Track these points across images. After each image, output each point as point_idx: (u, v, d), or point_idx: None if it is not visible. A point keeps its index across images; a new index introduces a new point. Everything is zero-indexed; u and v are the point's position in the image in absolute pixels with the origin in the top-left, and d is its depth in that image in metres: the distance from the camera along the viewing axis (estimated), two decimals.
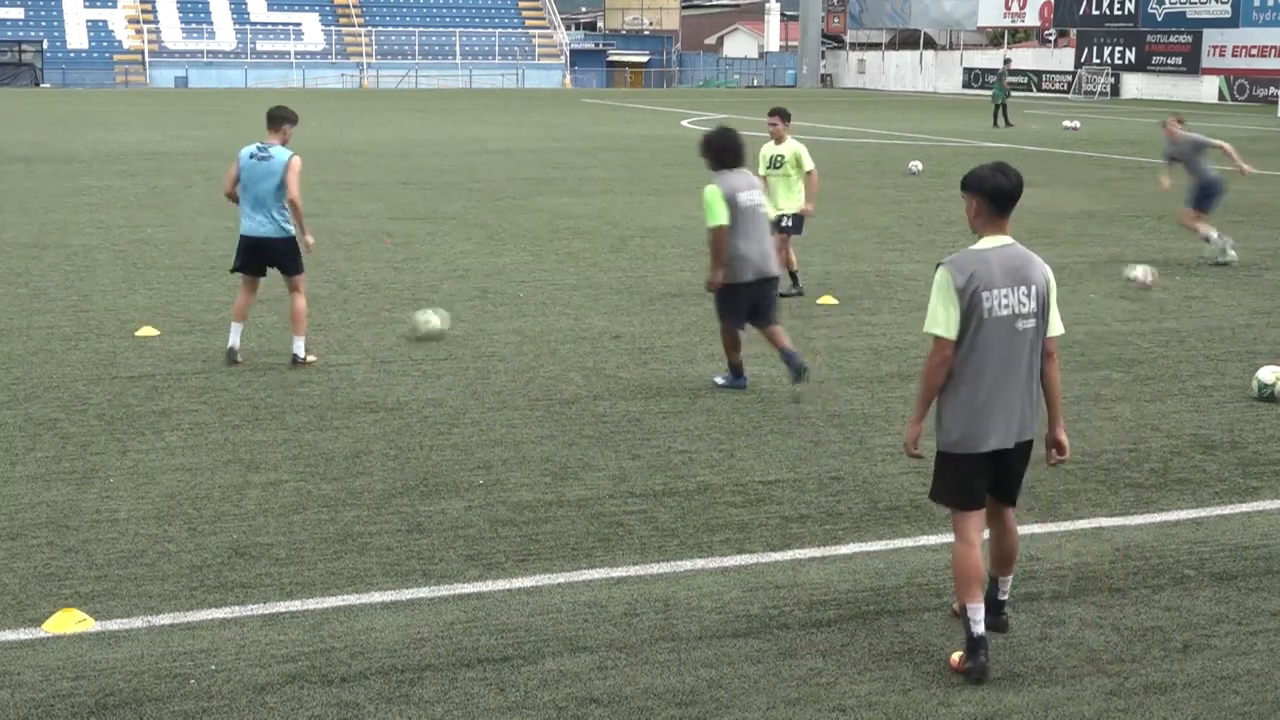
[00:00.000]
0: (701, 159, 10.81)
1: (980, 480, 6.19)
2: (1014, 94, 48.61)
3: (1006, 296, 6.04)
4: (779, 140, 14.72)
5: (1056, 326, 6.25)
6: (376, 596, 6.89)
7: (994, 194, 6.12)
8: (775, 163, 14.72)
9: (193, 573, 7.17)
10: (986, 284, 6.03)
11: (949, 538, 7.55)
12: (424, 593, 6.94)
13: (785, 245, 14.82)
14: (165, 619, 6.59)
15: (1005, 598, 6.53)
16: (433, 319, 12.25)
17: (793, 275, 14.97)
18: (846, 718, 5.70)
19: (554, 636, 6.43)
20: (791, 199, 14.74)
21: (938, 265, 6.16)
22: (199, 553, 7.44)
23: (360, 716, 5.69)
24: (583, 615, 6.68)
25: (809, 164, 14.74)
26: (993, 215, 6.16)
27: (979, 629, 6.08)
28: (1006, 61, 54.59)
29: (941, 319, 6.04)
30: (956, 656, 6.17)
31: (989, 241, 6.15)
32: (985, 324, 6.03)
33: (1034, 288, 6.11)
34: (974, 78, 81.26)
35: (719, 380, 11.09)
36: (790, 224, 14.78)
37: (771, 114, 14.81)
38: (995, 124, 45.66)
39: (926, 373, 6.14)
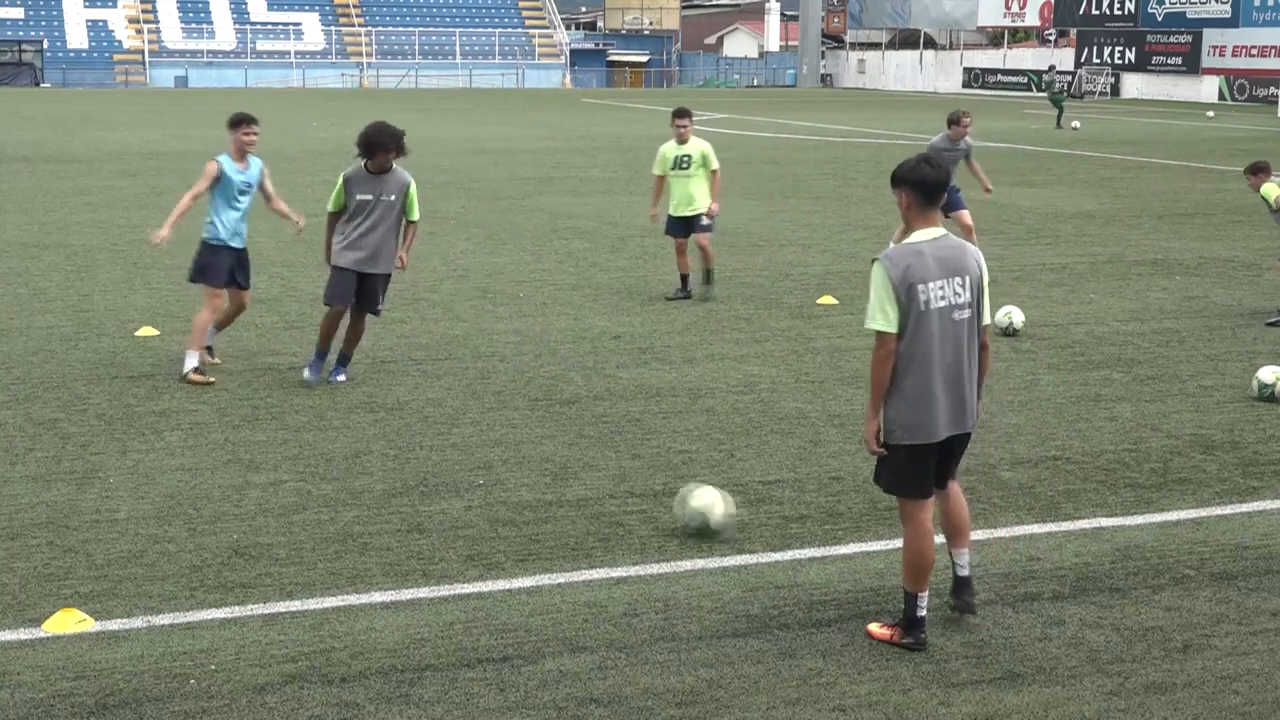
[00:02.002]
0: (369, 153, 10.89)
1: (929, 469, 6.30)
2: (1020, 94, 48.45)
3: (942, 288, 6.12)
4: (684, 141, 14.61)
5: (987, 316, 6.33)
6: (376, 596, 6.89)
7: (919, 184, 6.19)
8: (681, 163, 14.62)
9: (193, 573, 7.17)
10: (922, 277, 6.09)
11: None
12: (424, 593, 6.95)
13: (708, 242, 14.77)
14: (165, 619, 6.60)
15: (966, 573, 6.49)
16: (708, 510, 7.74)
17: (708, 272, 14.95)
18: (846, 718, 5.70)
19: (554, 636, 6.43)
20: (701, 198, 14.67)
21: (873, 261, 6.23)
22: (199, 553, 7.45)
23: (360, 716, 5.69)
24: (583, 615, 6.68)
25: (715, 163, 14.69)
26: (923, 207, 6.23)
27: (923, 612, 6.35)
28: (1051, 68, 54.44)
29: (880, 315, 6.12)
30: (888, 630, 6.38)
31: (922, 234, 6.22)
32: (923, 316, 6.10)
33: (968, 278, 6.20)
34: (974, 78, 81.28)
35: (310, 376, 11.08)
36: (708, 223, 14.76)
37: (681, 116, 14.63)
38: (1059, 125, 45.52)
39: (873, 369, 6.21)
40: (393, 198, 10.96)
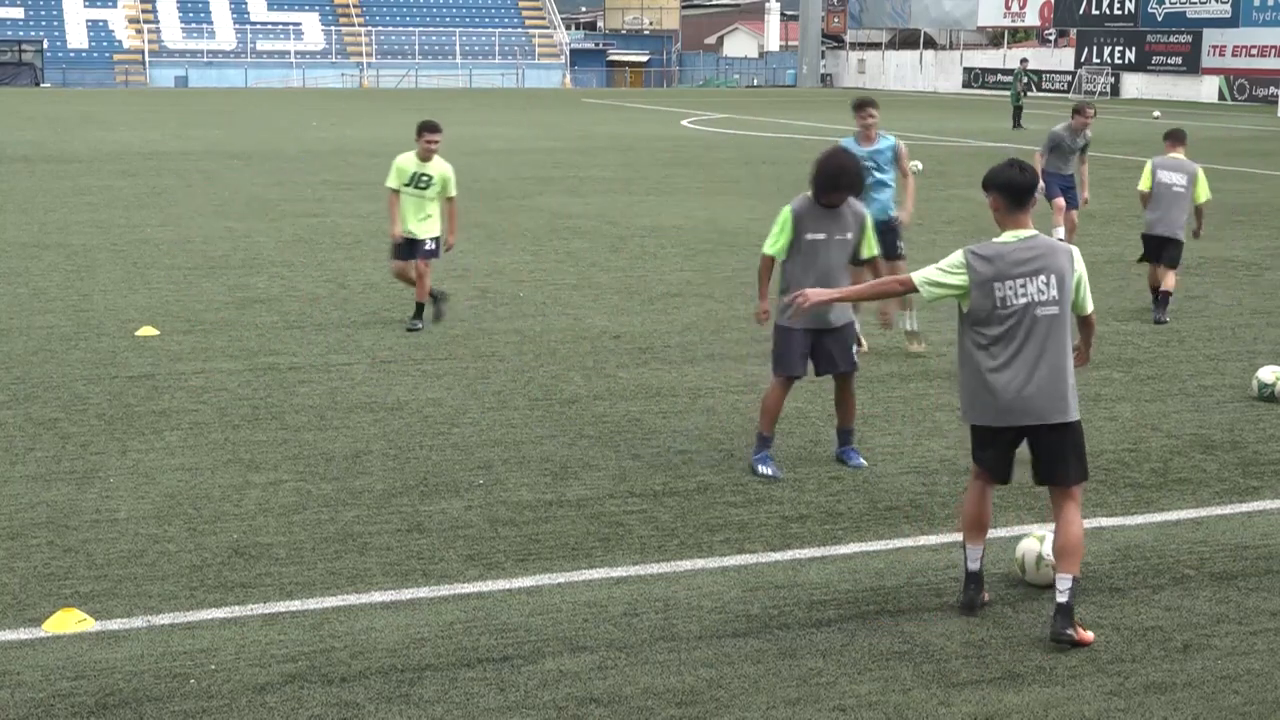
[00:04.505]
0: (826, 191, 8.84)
1: (995, 452, 6.60)
2: (1025, 95, 48.15)
3: (1025, 286, 6.38)
4: (427, 157, 13.15)
5: (1086, 305, 6.61)
6: (376, 596, 6.89)
7: (1006, 187, 6.48)
8: (420, 181, 13.11)
9: (193, 573, 7.17)
10: (1001, 275, 6.39)
11: (949, 537, 7.60)
12: (424, 593, 6.95)
13: (427, 271, 13.32)
14: (165, 619, 6.60)
15: (1063, 600, 6.32)
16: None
17: (420, 306, 13.39)
18: (846, 718, 5.70)
19: (554, 636, 6.43)
20: (432, 221, 13.22)
21: (962, 249, 6.58)
22: (199, 553, 7.45)
23: (360, 716, 5.69)
24: (583, 615, 6.68)
25: (453, 190, 13.28)
26: (1011, 209, 6.51)
27: (972, 566, 6.70)
28: (1023, 62, 54.33)
29: (931, 275, 6.54)
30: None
31: (1010, 235, 6.50)
32: (1001, 312, 6.40)
33: (1054, 276, 6.42)
34: (974, 77, 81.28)
35: (767, 470, 8.98)
36: (432, 248, 13.31)
37: (431, 130, 13.12)
38: (1015, 125, 45.29)
39: (876, 283, 7.05)
40: (849, 235, 8.94)
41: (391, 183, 13.25)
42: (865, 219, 9.01)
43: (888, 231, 11.84)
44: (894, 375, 11.55)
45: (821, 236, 8.85)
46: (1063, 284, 6.41)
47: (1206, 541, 7.74)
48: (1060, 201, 17.46)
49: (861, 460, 9.16)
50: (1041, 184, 17.06)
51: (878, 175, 12.27)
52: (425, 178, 13.17)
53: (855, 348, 9.21)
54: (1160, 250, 14.13)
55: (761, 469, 8.92)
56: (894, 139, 12.56)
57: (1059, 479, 6.51)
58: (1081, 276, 6.51)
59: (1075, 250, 6.56)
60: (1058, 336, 6.43)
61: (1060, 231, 17.23)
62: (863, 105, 12.39)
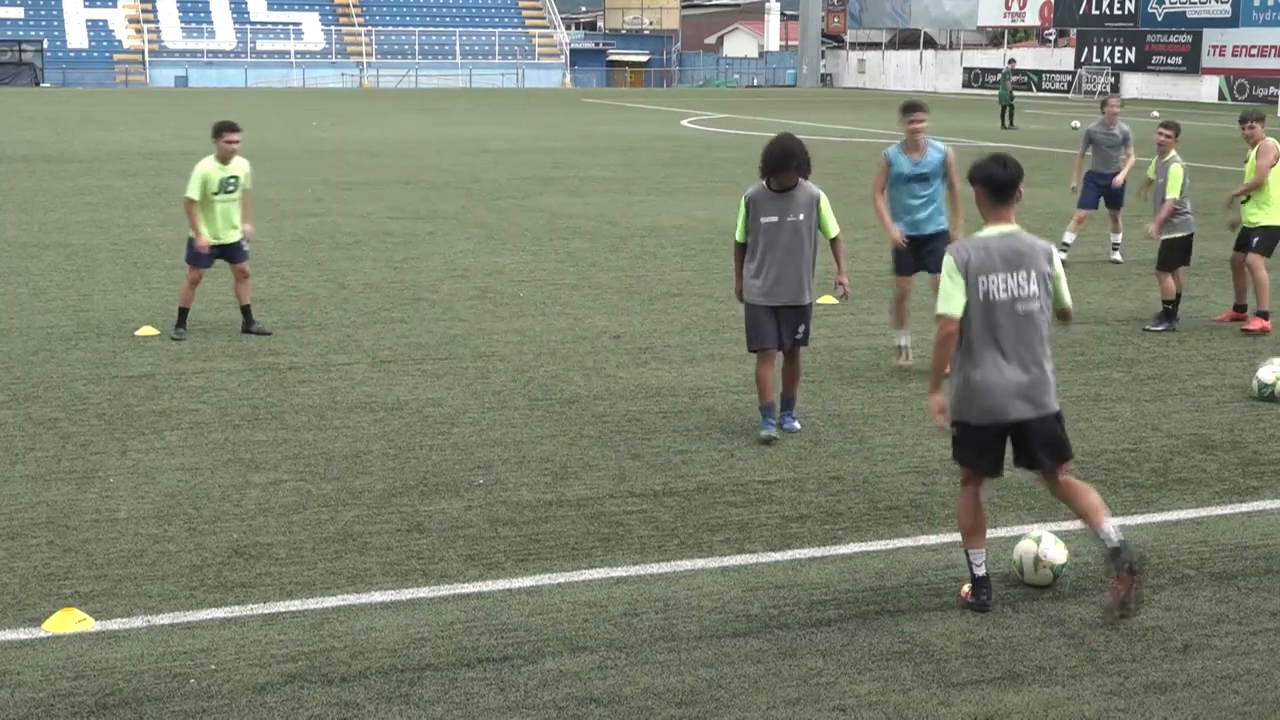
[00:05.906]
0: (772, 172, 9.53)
1: (989, 449, 6.66)
2: (1015, 94, 48.33)
3: (1006, 281, 6.52)
4: (228, 159, 12.53)
5: (1064, 299, 6.77)
6: (376, 596, 6.89)
7: (987, 182, 6.65)
8: (228, 185, 12.51)
9: (193, 573, 7.17)
10: (985, 269, 6.51)
11: (949, 537, 7.59)
12: (424, 593, 6.95)
13: (248, 271, 13.00)
14: (165, 619, 6.60)
15: (1119, 540, 6.48)
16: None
17: (248, 309, 13.04)
18: (846, 718, 5.70)
19: (554, 636, 6.43)
20: (239, 222, 12.76)
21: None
22: (199, 553, 7.45)
23: (360, 716, 5.69)
24: (583, 615, 6.68)
25: (250, 183, 12.81)
26: (993, 203, 6.66)
27: (979, 570, 6.74)
28: (1010, 62, 54.40)
29: (944, 299, 6.59)
30: (966, 588, 6.76)
31: (993, 230, 6.63)
32: (984, 306, 6.52)
33: (1034, 271, 6.58)
34: (974, 77, 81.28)
35: (764, 431, 9.71)
36: (247, 247, 12.94)
37: (234, 130, 12.52)
38: (1003, 124, 45.51)
39: (934, 347, 6.70)
40: (801, 216, 9.55)
41: (195, 193, 12.42)
42: (819, 199, 9.61)
43: (939, 248, 10.04)
44: (894, 375, 11.55)
45: (774, 219, 9.61)
46: (1042, 280, 6.58)
47: (1206, 541, 7.74)
48: (1082, 214, 17.50)
49: (796, 424, 9.81)
50: (1073, 183, 17.32)
51: (920, 192, 11.33)
52: (233, 180, 12.57)
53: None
54: (1187, 251, 13.85)
55: (761, 431, 9.66)
56: (945, 148, 11.52)
57: (1055, 460, 6.66)
58: (1060, 276, 6.69)
59: (1053, 248, 6.74)
60: (1040, 331, 6.63)
61: (1070, 237, 17.27)
62: (910, 109, 11.33)
